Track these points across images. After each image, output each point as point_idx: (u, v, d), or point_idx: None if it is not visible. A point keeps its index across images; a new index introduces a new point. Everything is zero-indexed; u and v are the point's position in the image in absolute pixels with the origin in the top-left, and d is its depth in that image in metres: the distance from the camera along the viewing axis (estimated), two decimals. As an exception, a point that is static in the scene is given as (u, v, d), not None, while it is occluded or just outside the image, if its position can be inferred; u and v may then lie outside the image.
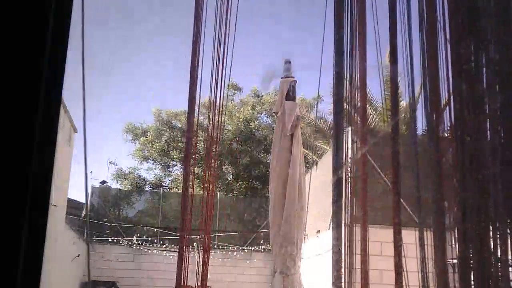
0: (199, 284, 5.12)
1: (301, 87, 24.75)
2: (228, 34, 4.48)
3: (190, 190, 4.77)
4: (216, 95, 4.67)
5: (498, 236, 2.08)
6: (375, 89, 12.36)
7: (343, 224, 2.93)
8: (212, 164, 5.59)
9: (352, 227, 3.36)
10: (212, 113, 5.00)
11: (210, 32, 4.56)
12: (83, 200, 15.09)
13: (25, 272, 0.75)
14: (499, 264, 2.05)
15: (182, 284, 4.40)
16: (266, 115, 21.25)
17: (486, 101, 2.20)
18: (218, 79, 4.55)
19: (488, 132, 2.19)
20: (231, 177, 20.98)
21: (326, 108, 17.16)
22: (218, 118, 5.06)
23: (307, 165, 13.05)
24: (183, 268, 4.36)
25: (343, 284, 2.99)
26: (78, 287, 12.69)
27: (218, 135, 5.28)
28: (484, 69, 2.21)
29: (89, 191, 15.38)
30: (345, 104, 3.19)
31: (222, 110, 5.09)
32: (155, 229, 15.75)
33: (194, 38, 4.16)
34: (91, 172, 14.85)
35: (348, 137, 4.00)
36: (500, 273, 2.06)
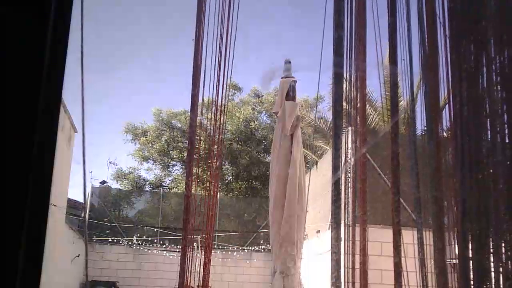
0: (200, 284, 5.11)
1: (302, 88, 24.76)
2: (230, 33, 4.48)
3: (192, 190, 4.77)
4: (217, 95, 4.67)
5: (498, 236, 2.08)
6: (375, 89, 12.35)
7: (342, 224, 2.93)
8: (214, 164, 5.59)
9: (351, 227, 3.36)
10: (214, 113, 4.98)
11: (211, 32, 4.56)
12: (83, 200, 15.10)
13: (25, 272, 0.75)
14: (499, 264, 2.05)
15: (185, 284, 4.39)
16: (266, 115, 21.25)
17: (486, 101, 2.20)
18: (219, 79, 4.54)
19: (489, 132, 2.19)
20: (231, 177, 20.97)
21: (327, 108, 17.15)
22: (220, 118, 5.04)
23: (307, 165, 13.03)
24: (186, 268, 4.35)
25: (342, 284, 2.99)
26: (78, 287, 12.69)
27: (220, 136, 5.26)
28: (484, 69, 2.21)
29: (89, 191, 15.37)
30: (344, 104, 3.18)
31: (223, 110, 5.08)
32: (155, 229, 15.75)
33: (196, 37, 4.16)
34: (91, 172, 14.87)
35: (348, 137, 4.00)
36: (500, 273, 2.06)
